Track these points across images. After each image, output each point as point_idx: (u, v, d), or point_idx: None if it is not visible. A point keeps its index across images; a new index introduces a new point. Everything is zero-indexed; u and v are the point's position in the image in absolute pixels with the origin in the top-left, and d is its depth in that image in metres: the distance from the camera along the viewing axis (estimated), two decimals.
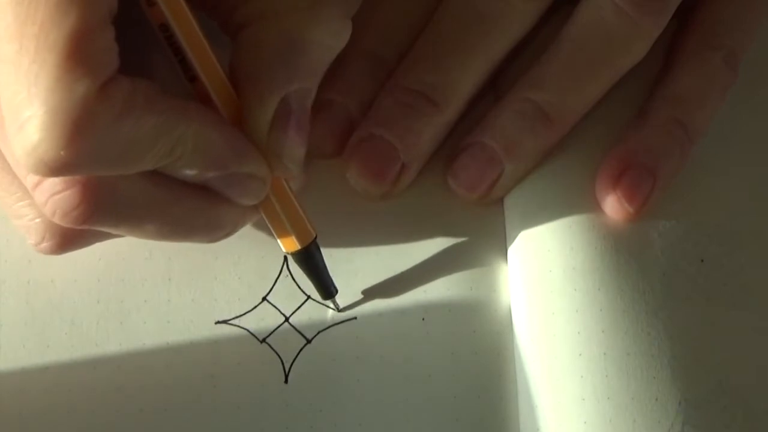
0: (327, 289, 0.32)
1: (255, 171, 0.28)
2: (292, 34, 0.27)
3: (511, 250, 0.33)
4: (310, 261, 0.31)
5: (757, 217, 0.34)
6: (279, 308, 0.33)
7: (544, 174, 0.33)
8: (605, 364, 0.30)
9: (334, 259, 0.33)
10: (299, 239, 0.31)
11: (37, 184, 0.26)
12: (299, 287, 0.33)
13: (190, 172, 0.27)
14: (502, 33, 0.32)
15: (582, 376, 0.30)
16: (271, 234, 0.34)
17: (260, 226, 0.34)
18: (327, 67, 0.29)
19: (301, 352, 0.32)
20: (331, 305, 0.33)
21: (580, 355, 0.30)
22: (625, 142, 0.33)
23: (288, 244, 0.31)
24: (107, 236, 0.30)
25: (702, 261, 0.32)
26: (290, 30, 0.27)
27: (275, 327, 0.33)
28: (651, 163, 0.32)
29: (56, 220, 0.26)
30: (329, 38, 0.28)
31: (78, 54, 0.23)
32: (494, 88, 0.35)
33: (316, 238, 0.31)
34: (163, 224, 0.28)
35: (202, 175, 0.27)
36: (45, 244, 0.29)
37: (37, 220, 0.29)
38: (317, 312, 0.33)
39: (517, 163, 0.33)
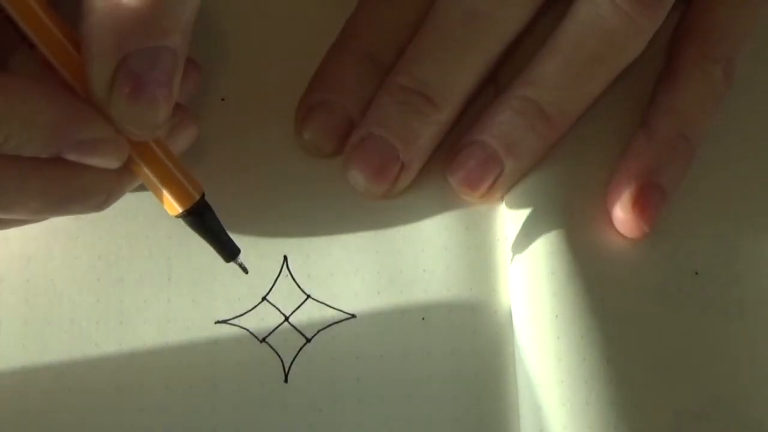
0: (226, 251, 0.31)
1: (102, 135, 0.27)
2: None
3: (512, 250, 0.33)
4: (199, 224, 0.30)
5: (751, 227, 0.34)
6: (279, 308, 0.33)
7: (545, 174, 0.33)
8: (608, 370, 0.30)
9: (334, 258, 0.33)
10: (179, 202, 0.29)
11: None
12: (299, 287, 0.33)
13: (30, 148, 0.27)
14: (498, 30, 0.32)
15: (586, 381, 0.30)
16: (270, 233, 0.34)
17: (259, 226, 0.34)
18: (189, 23, 0.27)
19: (301, 352, 0.32)
20: (239, 268, 0.32)
21: (584, 359, 0.30)
22: (634, 158, 0.33)
23: (170, 208, 0.30)
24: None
25: (696, 273, 0.32)
26: None
27: (275, 326, 0.33)
28: (661, 181, 0.33)
29: None
30: None
31: None
32: (494, 83, 0.35)
33: (203, 197, 0.30)
34: (29, 201, 0.28)
35: (46, 147, 0.27)
36: None
37: None
38: (317, 311, 0.33)
39: (517, 162, 0.33)
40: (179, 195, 0.29)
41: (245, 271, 0.32)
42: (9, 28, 0.27)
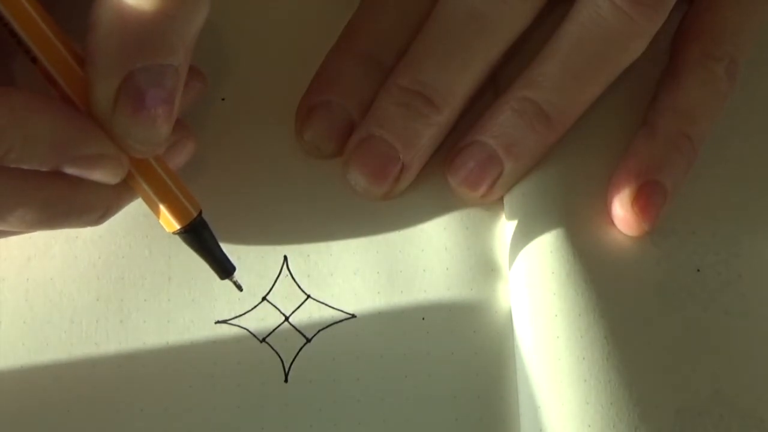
0: (221, 269, 0.31)
1: (102, 150, 0.27)
2: (133, 8, 0.26)
3: (512, 250, 0.33)
4: (195, 240, 0.30)
5: (753, 225, 0.34)
6: (279, 308, 0.33)
7: (545, 174, 0.33)
8: (607, 369, 0.30)
9: (335, 258, 0.33)
10: (177, 219, 0.30)
11: None
12: (299, 287, 0.33)
13: (31, 161, 0.27)
14: (498, 31, 0.32)
15: (585, 380, 0.30)
16: (269, 233, 0.34)
17: (260, 226, 0.34)
18: (192, 42, 0.28)
19: (301, 352, 0.32)
20: (234, 285, 0.32)
21: (583, 359, 0.30)
22: (636, 156, 0.33)
23: (168, 224, 0.30)
24: None
25: (698, 271, 0.32)
26: (131, 3, 0.26)
27: (275, 326, 0.33)
28: (663, 179, 0.33)
29: None
30: (184, 10, 0.27)
31: None
32: (494, 85, 0.35)
33: (200, 215, 0.30)
34: (26, 214, 0.28)
35: (47, 161, 0.27)
36: None
37: None
38: (317, 311, 0.33)
39: (517, 162, 0.33)
40: (177, 212, 0.30)
41: (240, 289, 0.32)
42: (12, 41, 0.27)
